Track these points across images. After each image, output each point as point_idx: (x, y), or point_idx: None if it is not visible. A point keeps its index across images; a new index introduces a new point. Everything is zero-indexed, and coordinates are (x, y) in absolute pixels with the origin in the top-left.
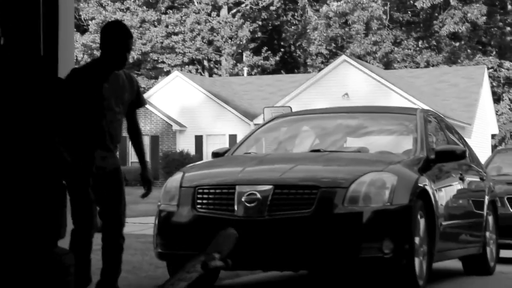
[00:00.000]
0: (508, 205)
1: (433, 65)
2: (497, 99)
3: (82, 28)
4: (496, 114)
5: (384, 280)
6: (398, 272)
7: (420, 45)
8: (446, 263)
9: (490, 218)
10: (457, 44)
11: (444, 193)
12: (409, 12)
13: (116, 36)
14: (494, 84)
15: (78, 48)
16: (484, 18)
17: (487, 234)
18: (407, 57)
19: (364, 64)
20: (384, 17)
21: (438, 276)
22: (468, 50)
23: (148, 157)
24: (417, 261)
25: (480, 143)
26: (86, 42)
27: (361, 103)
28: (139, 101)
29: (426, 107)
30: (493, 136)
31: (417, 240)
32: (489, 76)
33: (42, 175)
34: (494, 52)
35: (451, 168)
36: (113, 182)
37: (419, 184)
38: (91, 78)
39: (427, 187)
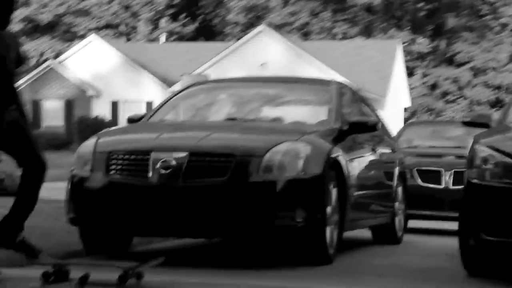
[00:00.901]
0: (417, 177)
1: (350, 38)
2: (410, 73)
3: None
4: (409, 88)
5: (295, 248)
6: (309, 240)
7: (337, 17)
8: (356, 232)
9: (400, 189)
10: (372, 17)
11: (356, 164)
12: None
13: None
14: (408, 58)
15: None
16: None
17: (396, 204)
18: (324, 29)
19: (282, 34)
20: None
21: (348, 245)
22: (384, 24)
23: (62, 121)
24: (328, 230)
25: (393, 115)
26: None
27: (279, 73)
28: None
29: (342, 79)
30: (405, 109)
31: (329, 209)
32: (403, 51)
33: None
34: (408, 27)
35: (364, 140)
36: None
37: (332, 155)
38: None
39: (340, 158)
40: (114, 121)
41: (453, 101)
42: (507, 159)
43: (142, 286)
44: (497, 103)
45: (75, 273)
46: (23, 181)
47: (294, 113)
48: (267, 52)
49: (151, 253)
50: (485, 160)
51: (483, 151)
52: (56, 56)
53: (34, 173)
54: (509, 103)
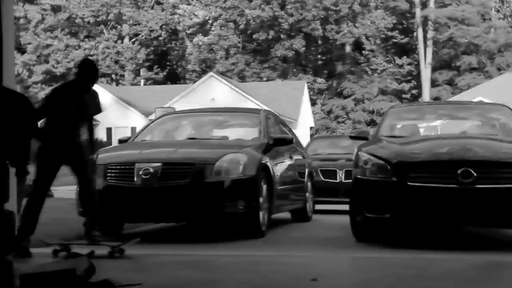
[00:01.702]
0: (320, 174)
1: (272, 79)
2: (313, 103)
3: (21, 50)
4: (313, 113)
5: (238, 227)
6: (248, 221)
7: (263, 66)
8: (280, 215)
9: (309, 184)
10: (287, 65)
11: (279, 167)
12: (254, 42)
13: (89, 71)
14: (311, 93)
15: (19, 65)
16: (304, 48)
17: (307, 194)
18: (255, 74)
19: (225, 78)
20: (239, 45)
21: (276, 223)
22: (294, 70)
23: None
24: (261, 214)
25: (303, 133)
26: (24, 60)
27: (224, 105)
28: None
29: (267, 108)
30: (311, 128)
31: (261, 199)
32: (308, 88)
33: None
34: (311, 71)
35: (284, 150)
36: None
37: (262, 161)
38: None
39: (268, 163)
40: (109, 141)
41: (342, 122)
42: (380, 161)
43: (126, 257)
44: (371, 123)
45: (78, 250)
46: (79, 192)
47: (235, 133)
48: (215, 91)
49: (138, 234)
50: (365, 162)
51: (364, 156)
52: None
53: (85, 187)
54: (379, 123)
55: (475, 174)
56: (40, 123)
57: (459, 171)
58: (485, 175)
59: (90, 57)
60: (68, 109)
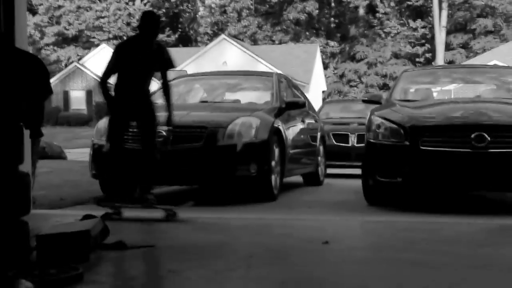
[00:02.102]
0: (332, 138)
1: (284, 43)
2: (325, 67)
3: (33, 11)
4: (325, 77)
5: (251, 190)
6: (260, 185)
7: (275, 29)
8: (292, 178)
9: (321, 148)
10: (299, 28)
11: (291, 131)
12: (267, 5)
13: (151, 23)
14: (324, 56)
15: (31, 26)
16: (317, 11)
17: (319, 158)
18: (267, 37)
19: (237, 41)
20: (252, 7)
21: (287, 186)
22: (307, 33)
23: (85, 106)
24: (273, 177)
25: (315, 96)
26: (36, 22)
27: (236, 68)
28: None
29: (279, 72)
30: (323, 92)
31: (273, 163)
32: (320, 51)
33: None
34: (323, 35)
35: (296, 114)
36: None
37: (275, 125)
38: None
39: (280, 127)
40: None
41: (355, 86)
42: (393, 125)
43: (180, 220)
44: (384, 87)
45: (131, 214)
46: (141, 154)
47: (247, 96)
48: (227, 54)
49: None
50: (378, 126)
51: (377, 120)
52: (79, 59)
53: (146, 149)
54: (392, 87)
55: (488, 138)
56: (112, 79)
57: (472, 135)
58: (499, 139)
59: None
60: (135, 63)
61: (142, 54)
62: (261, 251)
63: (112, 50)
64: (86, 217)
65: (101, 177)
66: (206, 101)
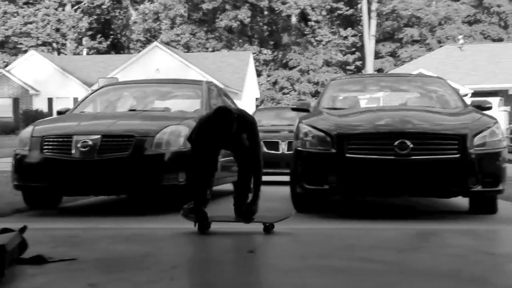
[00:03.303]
0: (263, 146)
1: (217, 50)
2: (258, 74)
3: None
4: (258, 84)
5: (179, 200)
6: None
7: (208, 36)
8: (222, 187)
9: None
10: (232, 36)
11: None
12: (200, 12)
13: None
14: (257, 64)
15: None
16: (249, 19)
17: None
18: (200, 44)
19: (170, 48)
20: (185, 15)
21: (217, 195)
22: (240, 40)
23: (11, 114)
24: None
25: (248, 103)
26: None
27: (168, 76)
28: None
29: (213, 79)
30: (256, 99)
31: None
32: (253, 59)
33: None
34: (256, 42)
35: None
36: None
37: None
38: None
39: None
40: (50, 113)
41: (288, 93)
42: (320, 133)
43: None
44: (316, 94)
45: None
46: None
47: (177, 105)
48: (160, 61)
49: (77, 207)
50: (306, 134)
51: (304, 128)
52: (6, 65)
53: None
54: (320, 95)
55: (411, 146)
56: None
57: (395, 143)
58: (420, 147)
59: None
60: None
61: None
62: (185, 261)
63: (41, 56)
64: (3, 231)
65: (24, 188)
66: (135, 110)
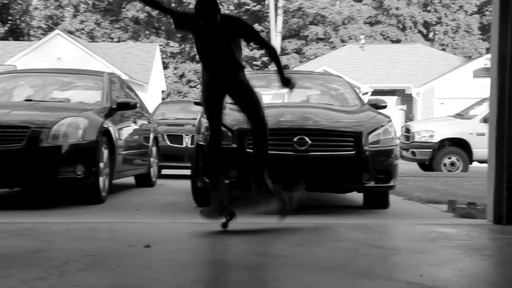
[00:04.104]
0: (167, 139)
1: (123, 41)
2: (165, 67)
3: None
4: (165, 77)
5: (77, 193)
6: (87, 187)
7: (114, 26)
8: (125, 180)
9: (154, 149)
10: (139, 27)
11: (123, 132)
12: (105, 1)
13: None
14: (164, 56)
15: None
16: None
17: (151, 159)
18: (105, 34)
19: (73, 37)
20: (89, 3)
21: (118, 188)
22: (147, 32)
23: None
24: (101, 179)
25: (154, 96)
26: None
27: (70, 66)
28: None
29: (118, 71)
30: (163, 91)
31: (101, 165)
32: (160, 51)
33: None
34: (163, 34)
35: (129, 115)
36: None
37: (104, 126)
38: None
39: (110, 128)
40: None
41: (194, 87)
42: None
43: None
44: None
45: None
46: (253, 138)
47: (77, 96)
48: (62, 50)
49: None
50: (207, 129)
51: (206, 122)
52: None
53: (258, 130)
54: None
55: (309, 142)
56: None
57: (295, 139)
58: (318, 143)
59: None
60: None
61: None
62: (78, 256)
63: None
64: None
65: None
66: (31, 100)
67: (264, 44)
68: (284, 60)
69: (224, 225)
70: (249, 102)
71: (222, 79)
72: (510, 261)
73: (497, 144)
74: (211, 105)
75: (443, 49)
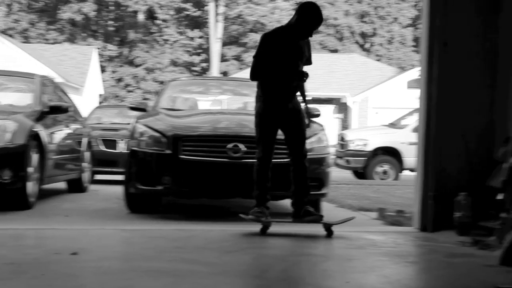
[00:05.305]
0: (101, 144)
1: (58, 43)
2: (103, 70)
3: None
4: (102, 80)
5: (4, 198)
6: (14, 193)
7: (49, 27)
8: (57, 185)
9: (87, 153)
10: (75, 29)
11: (54, 136)
12: (41, 2)
13: (312, 17)
14: (101, 59)
15: None
16: (95, 13)
17: (84, 164)
18: (40, 35)
19: (5, 37)
20: (24, 2)
21: (49, 194)
22: (84, 34)
23: None
24: (30, 184)
25: (90, 100)
26: None
27: (3, 67)
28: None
29: (53, 73)
30: (100, 95)
31: (31, 169)
32: (98, 54)
33: None
34: (101, 37)
35: (62, 119)
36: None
37: (34, 129)
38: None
39: (41, 132)
40: None
41: (132, 91)
42: (155, 133)
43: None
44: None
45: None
46: (293, 169)
47: (7, 98)
48: None
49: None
50: (141, 134)
51: (140, 127)
52: None
53: (297, 162)
54: (159, 95)
55: (243, 149)
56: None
57: (229, 146)
58: (253, 150)
59: None
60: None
61: (294, 49)
62: (1, 264)
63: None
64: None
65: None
66: None
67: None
68: (223, 66)
69: (264, 230)
70: (298, 136)
71: (280, 105)
72: (433, 268)
73: (424, 153)
74: (267, 137)
75: (379, 60)
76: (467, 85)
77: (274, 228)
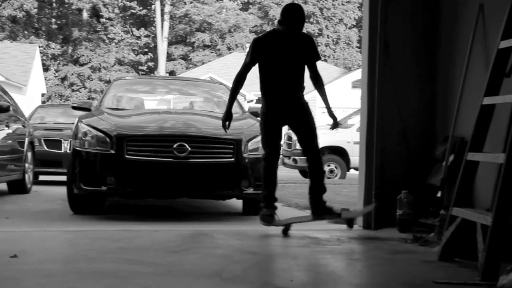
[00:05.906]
0: (44, 144)
1: None
2: (46, 69)
3: None
4: (45, 79)
5: None
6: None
7: None
8: None
9: (29, 154)
10: (17, 26)
11: None
12: None
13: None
14: (44, 58)
15: None
16: (36, 10)
17: (26, 165)
18: None
19: None
20: None
21: None
22: (25, 32)
23: None
24: None
25: (33, 99)
26: None
27: None
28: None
29: None
30: (43, 95)
31: None
32: (41, 52)
33: None
34: (44, 35)
35: (2, 118)
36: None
37: None
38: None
39: None
40: None
41: (77, 90)
42: (99, 133)
43: None
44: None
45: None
46: (308, 166)
47: None
48: None
49: None
50: (85, 134)
51: (84, 127)
52: None
53: (312, 158)
54: (103, 95)
55: (189, 149)
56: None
57: (174, 146)
58: (198, 150)
59: None
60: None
61: (287, 47)
62: None
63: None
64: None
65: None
66: None
67: (318, 74)
68: (170, 66)
69: (285, 231)
70: (308, 131)
71: (285, 103)
72: (375, 264)
73: (367, 152)
74: (271, 135)
75: (325, 60)
76: (408, 87)
77: (223, 228)
